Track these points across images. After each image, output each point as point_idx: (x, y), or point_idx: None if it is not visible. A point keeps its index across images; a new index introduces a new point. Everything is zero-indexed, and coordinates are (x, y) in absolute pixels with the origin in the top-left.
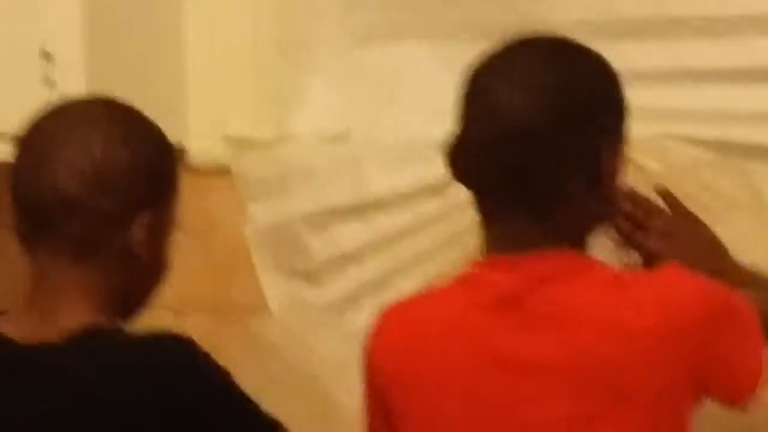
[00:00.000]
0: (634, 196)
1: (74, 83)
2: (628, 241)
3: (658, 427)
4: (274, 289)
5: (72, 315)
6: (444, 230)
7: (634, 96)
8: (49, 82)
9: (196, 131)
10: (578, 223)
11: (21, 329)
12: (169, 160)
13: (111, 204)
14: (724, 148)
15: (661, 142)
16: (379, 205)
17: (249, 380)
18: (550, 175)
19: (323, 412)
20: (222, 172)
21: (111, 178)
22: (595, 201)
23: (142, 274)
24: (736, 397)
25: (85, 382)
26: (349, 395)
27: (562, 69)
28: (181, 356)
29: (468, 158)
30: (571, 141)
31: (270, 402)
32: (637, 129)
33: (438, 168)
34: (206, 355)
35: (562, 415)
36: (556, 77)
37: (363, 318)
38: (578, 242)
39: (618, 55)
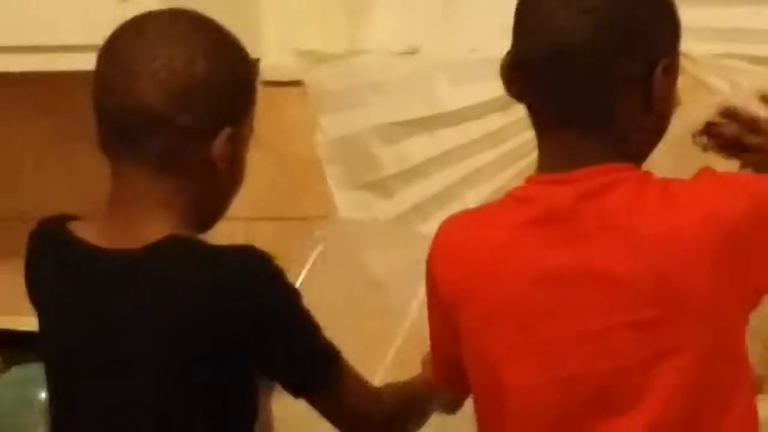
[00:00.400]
0: (735, 113)
1: None
2: (729, 157)
3: (715, 330)
4: (345, 200)
5: (153, 225)
6: (509, 145)
7: (694, 15)
8: None
9: (270, 46)
10: (631, 142)
11: (103, 236)
12: (249, 74)
13: (194, 119)
14: None
15: (723, 60)
16: (448, 119)
17: (316, 288)
18: (600, 94)
19: (386, 320)
20: (295, 85)
21: (194, 94)
22: (649, 120)
23: (220, 185)
24: None
25: (165, 287)
26: (411, 304)
27: None
28: (252, 271)
29: (521, 74)
30: (622, 61)
31: (335, 308)
32: (698, 48)
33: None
34: (277, 273)
35: (622, 321)
36: None
37: (430, 229)
38: (633, 160)
39: None
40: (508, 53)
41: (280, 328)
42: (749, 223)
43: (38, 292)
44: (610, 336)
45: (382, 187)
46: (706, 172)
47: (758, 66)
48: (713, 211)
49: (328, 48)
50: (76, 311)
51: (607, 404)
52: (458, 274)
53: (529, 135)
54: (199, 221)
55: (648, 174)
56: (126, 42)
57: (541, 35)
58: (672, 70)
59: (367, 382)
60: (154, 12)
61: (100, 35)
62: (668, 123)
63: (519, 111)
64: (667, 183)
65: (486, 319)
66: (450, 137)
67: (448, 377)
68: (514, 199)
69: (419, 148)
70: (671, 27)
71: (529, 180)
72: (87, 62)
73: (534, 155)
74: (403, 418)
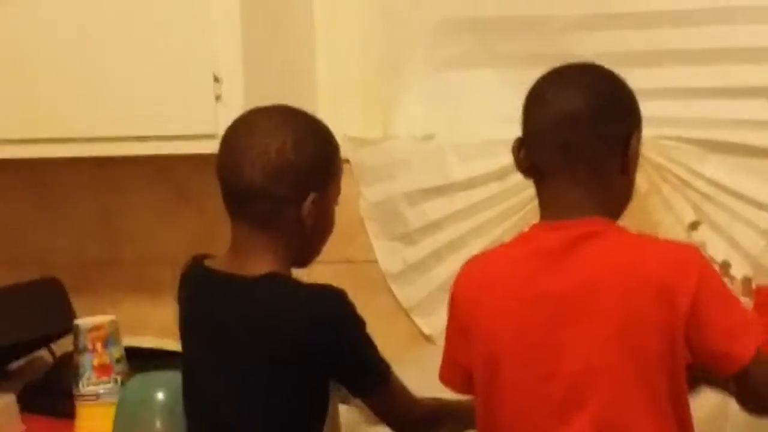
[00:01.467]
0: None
1: (235, 99)
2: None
3: (658, 349)
4: (382, 248)
5: (259, 265)
6: (504, 206)
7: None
8: (218, 98)
9: None
10: (612, 198)
11: (224, 268)
12: (331, 152)
13: (286, 190)
14: (707, 144)
15: (660, 141)
16: (458, 186)
17: (363, 311)
18: (595, 152)
19: (412, 340)
20: (344, 162)
21: (284, 171)
22: (624, 181)
23: (310, 237)
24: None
25: (265, 307)
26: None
27: (603, 77)
28: (335, 305)
29: (530, 148)
30: (611, 127)
31: (372, 327)
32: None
33: (501, 160)
34: (351, 308)
35: (585, 336)
36: (598, 81)
37: (446, 270)
38: (612, 215)
39: (626, 78)
40: (518, 139)
41: (353, 351)
42: (695, 287)
43: (183, 309)
44: (581, 343)
45: (408, 238)
46: (683, 245)
47: (687, 145)
48: (668, 267)
49: (368, 134)
50: (206, 316)
51: (574, 401)
52: (473, 291)
53: (518, 198)
54: (295, 262)
55: (622, 228)
56: (235, 132)
57: (549, 108)
58: (639, 141)
59: (409, 392)
60: (260, 108)
61: (199, 126)
62: (633, 189)
63: (512, 180)
64: (640, 236)
65: (491, 324)
66: (460, 200)
67: (451, 376)
68: (522, 239)
69: (436, 208)
70: (636, 105)
71: (534, 226)
72: (191, 148)
73: (522, 214)
74: (436, 423)
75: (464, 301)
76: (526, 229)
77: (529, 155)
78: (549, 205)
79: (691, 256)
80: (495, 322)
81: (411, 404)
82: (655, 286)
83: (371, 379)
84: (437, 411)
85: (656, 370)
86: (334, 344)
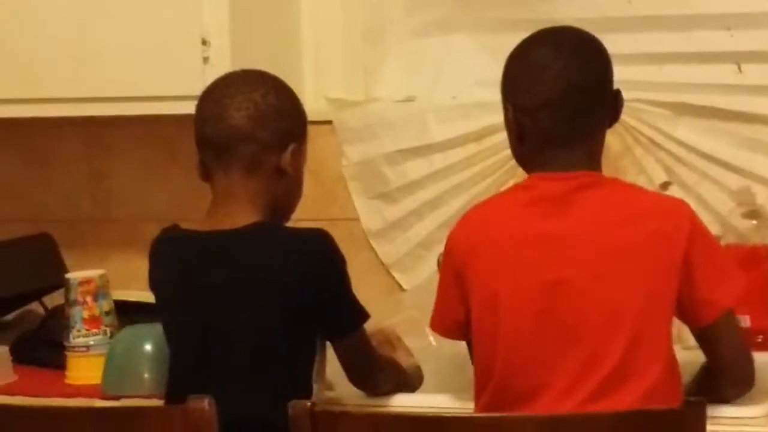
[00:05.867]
0: None
1: (222, 61)
2: None
3: (654, 288)
4: (364, 206)
5: (245, 215)
6: (481, 166)
7: (615, 72)
8: (205, 60)
9: (309, 94)
10: (600, 152)
11: (207, 226)
12: (303, 110)
13: (270, 136)
14: (678, 108)
15: (633, 104)
16: (437, 147)
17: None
18: (598, 115)
19: (391, 294)
20: (326, 123)
21: (268, 118)
22: (605, 132)
23: (289, 188)
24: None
25: (255, 255)
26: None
27: (592, 42)
28: (320, 247)
29: (537, 118)
30: (609, 89)
31: (353, 283)
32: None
33: (479, 122)
34: (337, 248)
35: (583, 274)
36: (592, 47)
37: (425, 228)
38: (599, 167)
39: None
40: (513, 107)
41: (338, 290)
42: (686, 237)
43: (158, 273)
44: (576, 282)
45: (389, 197)
46: (672, 198)
47: (659, 108)
48: (660, 218)
49: (350, 96)
50: (188, 279)
51: (568, 336)
52: (471, 237)
53: (495, 159)
54: (275, 216)
55: (615, 179)
56: (216, 88)
57: (558, 79)
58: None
59: (372, 344)
60: (235, 71)
61: (187, 87)
62: None
63: (489, 141)
64: (631, 187)
65: (490, 265)
66: (438, 160)
67: (441, 324)
68: (520, 187)
69: (416, 168)
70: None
71: (531, 176)
72: (180, 108)
73: (499, 174)
74: (388, 378)
75: (461, 247)
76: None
77: (537, 124)
78: (545, 163)
79: (684, 206)
80: (494, 262)
81: (373, 354)
82: (651, 228)
83: (350, 321)
84: (391, 368)
85: (650, 309)
86: (321, 283)
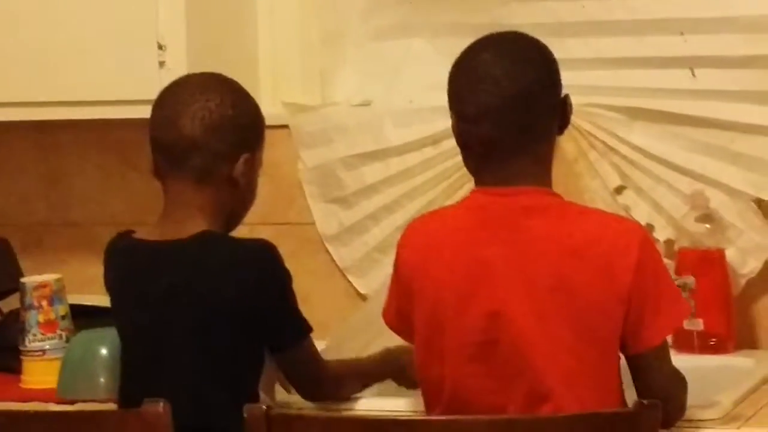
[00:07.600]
0: None
1: (179, 65)
2: None
3: (591, 326)
4: (320, 210)
5: (193, 224)
6: (437, 170)
7: (570, 76)
8: (161, 64)
9: (265, 98)
10: (550, 161)
11: (156, 234)
12: (262, 119)
13: (223, 145)
14: (632, 112)
15: (587, 108)
16: (393, 151)
17: (297, 270)
18: (544, 124)
19: (348, 299)
20: (283, 128)
21: (222, 129)
22: (554, 141)
23: (240, 198)
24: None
25: (198, 265)
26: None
27: (538, 47)
28: (266, 258)
29: (480, 126)
30: (554, 97)
31: (309, 287)
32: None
33: (435, 126)
34: (281, 261)
35: (521, 308)
36: (537, 53)
37: (381, 231)
38: (549, 177)
39: (557, 48)
40: (456, 115)
41: (281, 302)
42: (632, 267)
43: (111, 280)
44: (513, 317)
45: (345, 201)
46: (619, 217)
47: (613, 113)
48: (603, 246)
49: (307, 100)
50: (136, 287)
51: (510, 368)
52: (418, 256)
53: (452, 162)
54: (225, 224)
55: (562, 201)
56: (172, 92)
57: (500, 87)
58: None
59: (319, 354)
60: (192, 74)
61: (144, 91)
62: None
63: (445, 145)
64: (578, 209)
65: (435, 292)
66: (394, 164)
67: (393, 319)
68: (464, 205)
69: (372, 172)
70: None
71: (475, 193)
72: (135, 112)
73: (455, 178)
74: (340, 384)
75: (410, 267)
76: (463, 193)
77: (478, 132)
78: (491, 173)
79: (633, 234)
80: (439, 290)
81: (321, 364)
82: (596, 265)
83: (294, 333)
84: (343, 372)
85: (586, 346)
86: (260, 295)
